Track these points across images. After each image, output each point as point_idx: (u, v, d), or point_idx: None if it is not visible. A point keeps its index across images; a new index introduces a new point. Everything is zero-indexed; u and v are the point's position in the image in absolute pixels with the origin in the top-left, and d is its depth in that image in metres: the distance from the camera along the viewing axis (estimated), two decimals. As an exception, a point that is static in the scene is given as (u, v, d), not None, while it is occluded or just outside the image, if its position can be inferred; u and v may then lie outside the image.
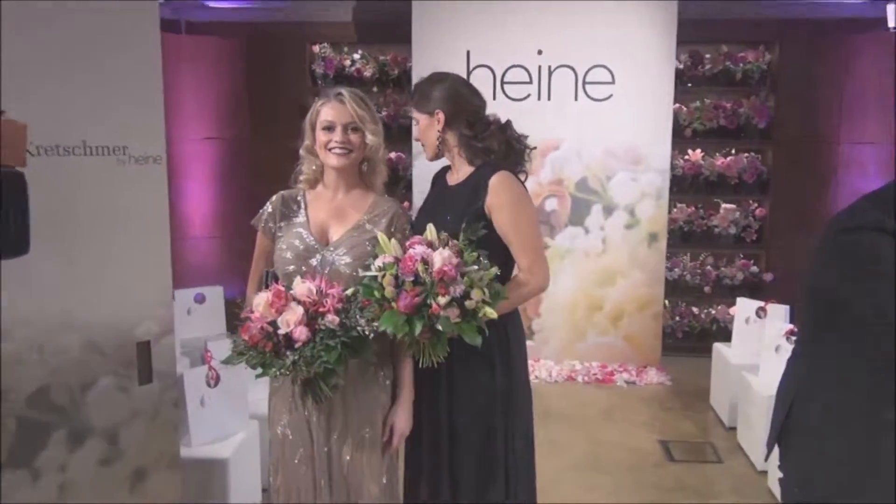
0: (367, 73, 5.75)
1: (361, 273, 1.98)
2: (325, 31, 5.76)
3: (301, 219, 2.15)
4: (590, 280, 5.30)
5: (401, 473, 2.29)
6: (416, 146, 4.94)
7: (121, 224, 2.17)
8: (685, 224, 5.71)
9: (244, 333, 1.85)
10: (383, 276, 1.91)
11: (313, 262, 2.07)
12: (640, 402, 4.82)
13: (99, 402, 2.17)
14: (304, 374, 1.87)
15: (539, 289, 2.20)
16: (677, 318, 5.76)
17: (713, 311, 5.74)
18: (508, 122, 2.31)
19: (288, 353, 1.84)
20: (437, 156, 2.31)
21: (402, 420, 2.13)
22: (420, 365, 1.98)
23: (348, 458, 2.09)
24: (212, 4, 5.64)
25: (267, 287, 1.98)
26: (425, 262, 1.90)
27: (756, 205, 5.75)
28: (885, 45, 5.18)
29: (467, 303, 1.89)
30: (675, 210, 5.66)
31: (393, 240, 2.00)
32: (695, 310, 5.80)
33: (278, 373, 1.85)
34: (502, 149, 2.25)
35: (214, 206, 5.64)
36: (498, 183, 2.16)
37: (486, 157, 2.25)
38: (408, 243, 1.97)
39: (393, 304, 1.89)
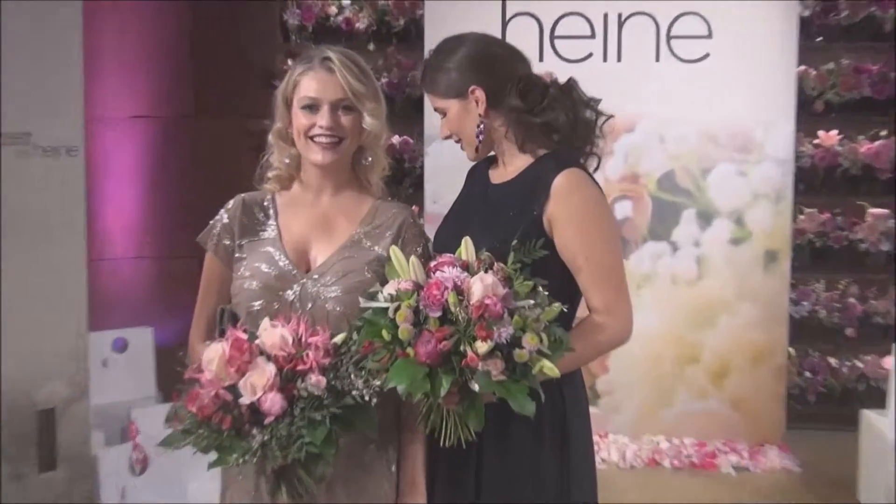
0: (361, 26, 5.81)
1: (363, 303, 1.95)
2: (302, -31, 5.90)
3: (271, 234, 2.16)
4: (680, 319, 5.28)
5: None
6: (431, 127, 5.14)
7: (19, 239, 2.16)
8: (817, 238, 5.71)
9: (191, 403, 1.82)
10: (397, 310, 1.87)
11: (289, 295, 2.08)
12: (756, 495, 4.82)
13: (-17, 497, 2.15)
14: (278, 460, 1.83)
15: (619, 339, 2.21)
16: (808, 374, 5.74)
17: (860, 364, 5.70)
18: (572, 82, 2.29)
19: (255, 431, 1.81)
20: (482, 152, 2.33)
21: None
22: (442, 442, 1.96)
23: None
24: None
25: (222, 333, 1.97)
26: (459, 290, 1.88)
27: (918, 208, 5.74)
28: None
29: (517, 353, 1.85)
30: (801, 218, 5.67)
31: (413, 258, 1.97)
32: (833, 361, 5.78)
33: (241, 459, 1.82)
34: (570, 121, 2.24)
35: (143, 214, 5.66)
36: (565, 184, 2.16)
37: (547, 139, 2.26)
38: (433, 264, 1.95)
39: (409, 349, 1.86)
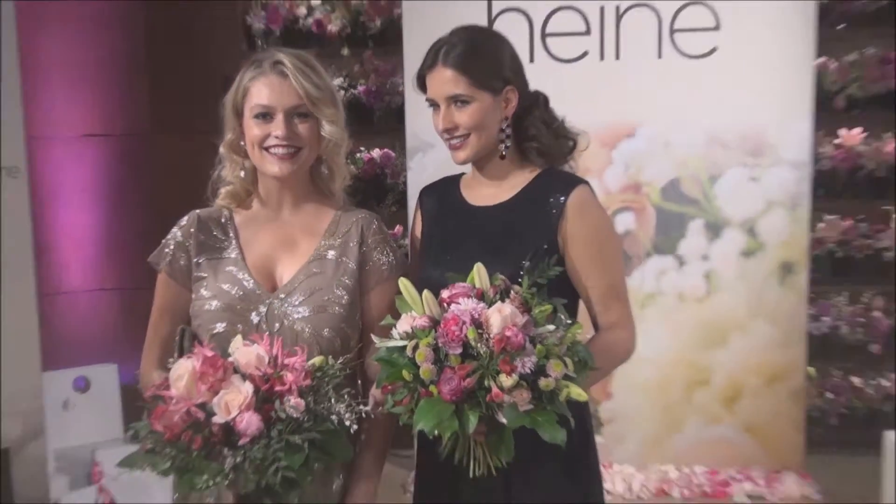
0: (334, 28, 5.67)
1: (377, 343, 1.99)
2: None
3: (232, 253, 2.17)
4: (688, 340, 5.10)
5: None
6: (414, 138, 5.04)
7: None
8: (838, 247, 5.53)
9: (157, 422, 1.81)
10: (415, 349, 1.91)
11: (254, 317, 2.09)
12: None
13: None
14: (251, 485, 1.82)
15: (632, 352, 2.32)
16: (829, 395, 5.58)
17: (886, 383, 5.53)
18: (547, 100, 2.38)
19: (227, 452, 1.80)
20: (474, 157, 2.33)
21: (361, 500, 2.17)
22: (472, 473, 2.00)
23: None
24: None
25: (181, 353, 1.99)
26: (478, 324, 1.91)
27: (951, 214, 5.58)
28: None
29: (542, 382, 1.89)
30: (821, 226, 5.49)
31: (426, 293, 1.97)
32: (857, 381, 5.60)
33: (211, 482, 1.80)
34: (550, 143, 2.33)
35: (100, 242, 5.56)
36: (579, 202, 2.24)
37: (541, 158, 2.34)
38: (447, 295, 1.98)
39: (432, 388, 1.89)
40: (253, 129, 2.08)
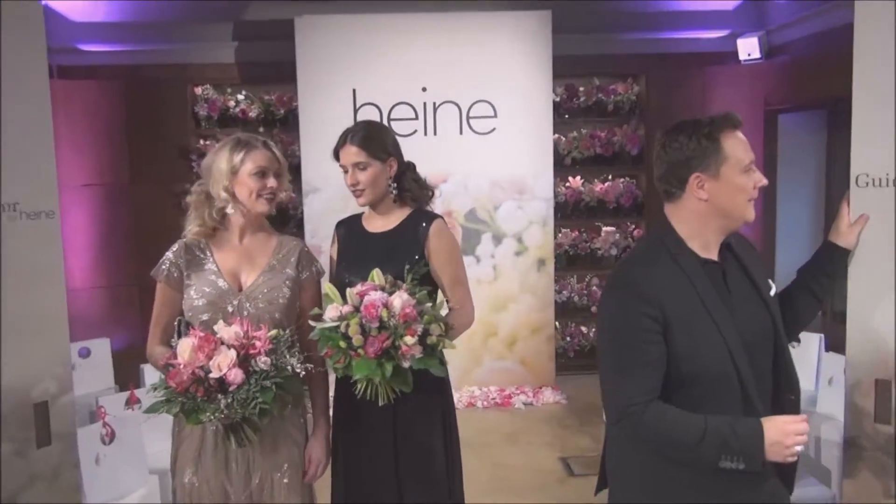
0: (252, 114, 5.72)
1: (315, 325, 2.04)
2: (208, 73, 5.73)
3: (211, 266, 2.13)
4: (483, 307, 5.28)
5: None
6: (307, 184, 5.11)
7: (14, 283, 2.09)
8: (570, 248, 5.94)
9: (171, 380, 1.85)
10: (347, 326, 1.97)
11: (230, 308, 2.07)
12: (539, 422, 4.94)
13: (-4, 469, 2.09)
14: (238, 416, 1.87)
15: (471, 320, 2.37)
16: (568, 339, 5.95)
17: None
18: (415, 166, 2.45)
19: (220, 396, 1.85)
20: (377, 202, 2.37)
21: (319, 451, 2.19)
22: (380, 402, 2.06)
23: (269, 500, 2.13)
24: (86, 48, 5.48)
25: (179, 335, 1.99)
26: (387, 306, 1.98)
27: (633, 226, 6.08)
28: (737, 76, 5.73)
29: (429, 339, 2.00)
30: (560, 235, 5.87)
31: (348, 290, 2.04)
32: (584, 329, 6.00)
33: (212, 417, 1.86)
34: (418, 192, 2.40)
35: (96, 255, 5.49)
36: (439, 229, 2.32)
37: (413, 202, 2.39)
38: (358, 291, 2.04)
39: (360, 351, 1.96)
40: (251, 183, 2.07)
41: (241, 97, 5.77)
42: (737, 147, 1.68)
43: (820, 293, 1.95)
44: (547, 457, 4.34)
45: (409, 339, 1.95)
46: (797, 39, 5.31)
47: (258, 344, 1.89)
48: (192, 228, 2.16)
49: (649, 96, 5.94)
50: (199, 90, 5.77)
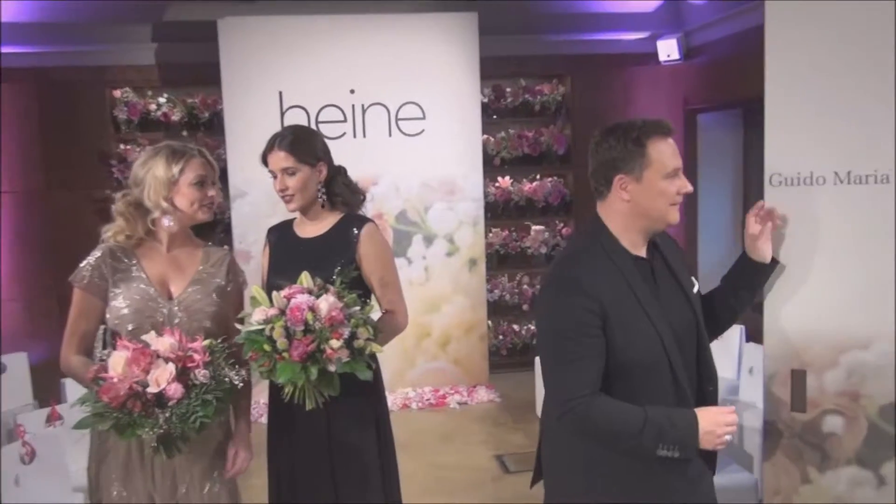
0: (175, 118, 5.58)
1: (239, 327, 2.02)
2: (127, 76, 5.55)
3: (138, 273, 2.08)
4: (416, 308, 5.09)
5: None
6: (234, 188, 5.02)
7: None
8: (501, 247, 5.99)
9: (105, 395, 1.79)
10: (272, 329, 1.95)
11: (158, 316, 2.04)
12: (473, 421, 4.97)
13: None
14: (178, 430, 1.84)
15: (404, 323, 2.37)
16: (501, 337, 6.01)
17: (532, 327, 5.92)
18: (345, 170, 2.42)
19: (158, 411, 1.81)
20: (307, 207, 2.34)
21: (243, 448, 2.17)
22: (307, 407, 2.03)
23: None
24: (-7, 49, 5.25)
25: (105, 346, 1.94)
26: (312, 309, 1.96)
27: (562, 225, 6.14)
28: (658, 77, 5.92)
29: (356, 342, 1.98)
30: (490, 235, 5.90)
31: (275, 292, 2.02)
32: (516, 327, 6.07)
33: (150, 432, 1.81)
34: (349, 197, 2.38)
35: (10, 266, 5.29)
36: (370, 234, 2.31)
37: (345, 206, 2.37)
38: (285, 293, 2.01)
39: (285, 354, 1.94)
40: (192, 193, 2.05)
41: (162, 100, 5.62)
42: (663, 153, 1.74)
43: (738, 307, 2.04)
44: (482, 455, 4.39)
45: (335, 343, 1.93)
46: (715, 41, 5.51)
47: (196, 357, 1.86)
48: (115, 235, 2.11)
49: (574, 96, 6.04)
50: (118, 93, 5.59)
